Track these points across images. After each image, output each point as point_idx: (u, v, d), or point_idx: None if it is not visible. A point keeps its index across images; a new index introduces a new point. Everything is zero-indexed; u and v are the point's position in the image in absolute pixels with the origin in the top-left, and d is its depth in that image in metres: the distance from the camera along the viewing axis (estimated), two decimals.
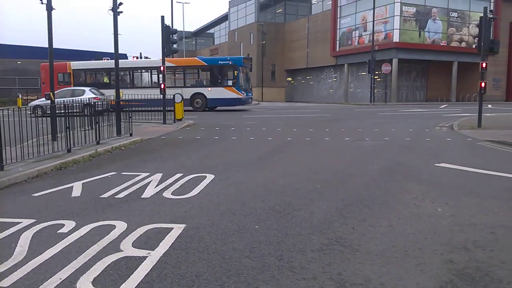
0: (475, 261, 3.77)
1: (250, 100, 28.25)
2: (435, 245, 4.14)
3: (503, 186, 6.72)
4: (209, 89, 26.43)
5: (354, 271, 3.56)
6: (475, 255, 3.89)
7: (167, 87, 24.15)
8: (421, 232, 4.51)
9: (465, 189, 6.48)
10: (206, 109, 26.79)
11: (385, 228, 4.64)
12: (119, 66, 25.54)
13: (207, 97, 26.39)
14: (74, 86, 26.51)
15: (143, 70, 29.14)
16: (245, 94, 26.52)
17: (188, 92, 25.95)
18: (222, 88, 26.22)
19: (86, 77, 28.93)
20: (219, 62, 27.12)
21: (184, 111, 24.69)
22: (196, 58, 28.13)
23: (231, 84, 26.18)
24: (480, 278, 3.43)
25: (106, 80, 28.33)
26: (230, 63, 26.40)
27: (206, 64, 27.17)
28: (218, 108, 27.79)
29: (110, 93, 25.85)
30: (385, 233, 4.50)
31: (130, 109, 14.15)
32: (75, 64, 28.64)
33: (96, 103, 15.45)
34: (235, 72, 25.99)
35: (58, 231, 4.57)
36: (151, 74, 28.85)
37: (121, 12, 13.91)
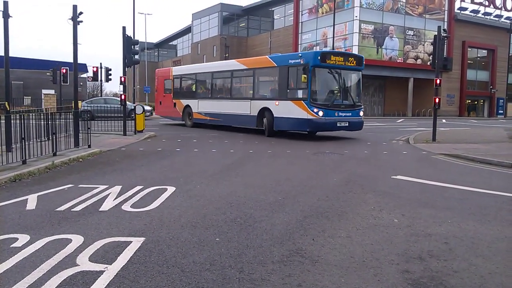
0: (430, 270, 3.90)
1: (333, 126, 16.29)
2: (392, 255, 4.25)
3: (456, 197, 6.98)
4: (276, 103, 17.04)
5: (313, 282, 3.60)
6: (429, 265, 4.02)
7: (235, 98, 20.03)
8: (379, 243, 4.62)
9: (421, 200, 6.69)
10: (274, 132, 17.55)
11: (344, 239, 4.73)
12: (201, 72, 23.44)
13: (274, 115, 17.16)
14: (173, 93, 23.84)
15: (234, 76, 20.33)
16: (322, 113, 15.63)
17: (256, 107, 18.06)
18: (289, 101, 16.42)
19: (181, 84, 23.95)
20: (290, 61, 16.74)
21: (248, 131, 19.86)
22: (266, 57, 19.57)
23: (300, 97, 16.09)
24: (434, 287, 3.55)
25: (193, 88, 23.55)
26: (301, 61, 16.09)
27: (276, 65, 17.47)
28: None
29: (193, 103, 22.33)
30: (343, 244, 4.58)
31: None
32: (175, 70, 24.83)
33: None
34: (304, 76, 15.65)
35: (11, 245, 4.40)
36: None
37: (81, 21, 13.64)
